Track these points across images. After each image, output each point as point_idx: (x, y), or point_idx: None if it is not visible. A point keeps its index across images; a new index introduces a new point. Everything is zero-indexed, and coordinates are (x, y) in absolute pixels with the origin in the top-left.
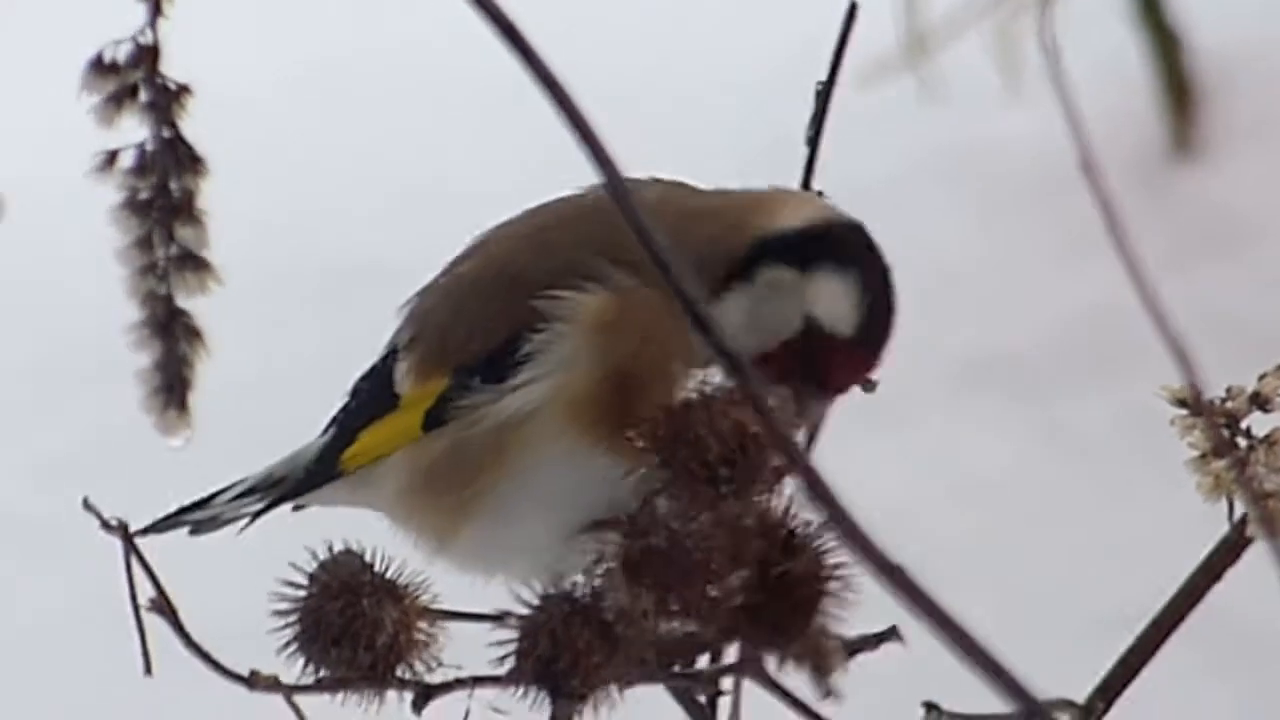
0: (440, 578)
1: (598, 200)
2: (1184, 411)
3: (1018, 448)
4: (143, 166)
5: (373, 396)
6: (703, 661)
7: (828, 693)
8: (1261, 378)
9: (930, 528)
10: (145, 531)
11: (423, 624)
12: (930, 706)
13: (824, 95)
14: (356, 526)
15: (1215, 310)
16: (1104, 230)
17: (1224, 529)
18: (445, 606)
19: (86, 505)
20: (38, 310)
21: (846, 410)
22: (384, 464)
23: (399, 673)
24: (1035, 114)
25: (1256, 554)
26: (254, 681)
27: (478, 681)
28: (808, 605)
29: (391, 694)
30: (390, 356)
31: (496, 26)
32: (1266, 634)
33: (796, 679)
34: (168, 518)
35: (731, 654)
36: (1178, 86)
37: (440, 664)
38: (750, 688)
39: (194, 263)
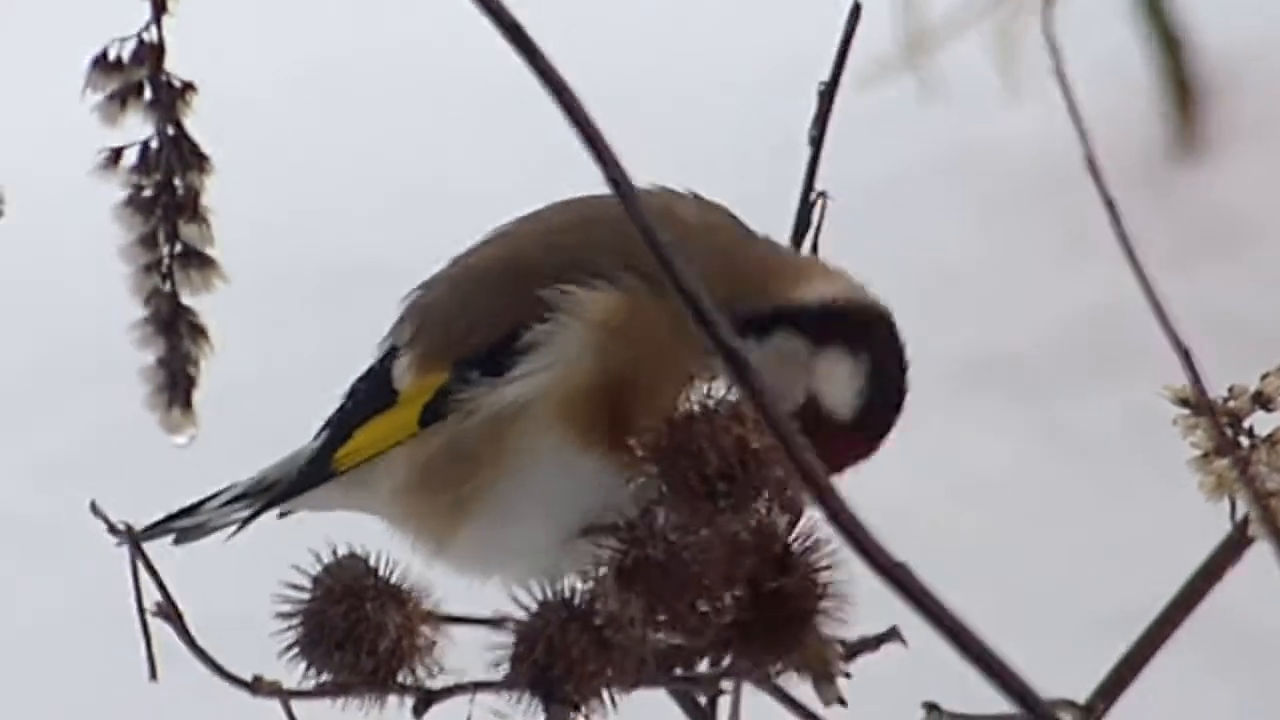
0: (442, 582)
1: (614, 205)
2: (1186, 411)
3: (1018, 448)
4: (147, 164)
5: (370, 395)
6: (703, 664)
7: (832, 699)
8: (1264, 377)
9: (931, 528)
10: (137, 538)
11: (425, 628)
12: (931, 707)
13: (827, 95)
14: (358, 530)
15: (1217, 309)
16: (1105, 230)
17: (1226, 529)
18: (447, 611)
19: (93, 508)
20: (38, 310)
21: None
22: (380, 463)
23: (401, 678)
24: (1036, 114)
25: (1258, 553)
26: (257, 687)
27: (478, 687)
28: (800, 621)
29: (392, 698)
30: (389, 355)
31: (501, 27)
32: (1268, 633)
33: (795, 682)
34: (156, 524)
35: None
36: (1180, 86)
37: (442, 669)
38: (750, 688)
39: (198, 260)
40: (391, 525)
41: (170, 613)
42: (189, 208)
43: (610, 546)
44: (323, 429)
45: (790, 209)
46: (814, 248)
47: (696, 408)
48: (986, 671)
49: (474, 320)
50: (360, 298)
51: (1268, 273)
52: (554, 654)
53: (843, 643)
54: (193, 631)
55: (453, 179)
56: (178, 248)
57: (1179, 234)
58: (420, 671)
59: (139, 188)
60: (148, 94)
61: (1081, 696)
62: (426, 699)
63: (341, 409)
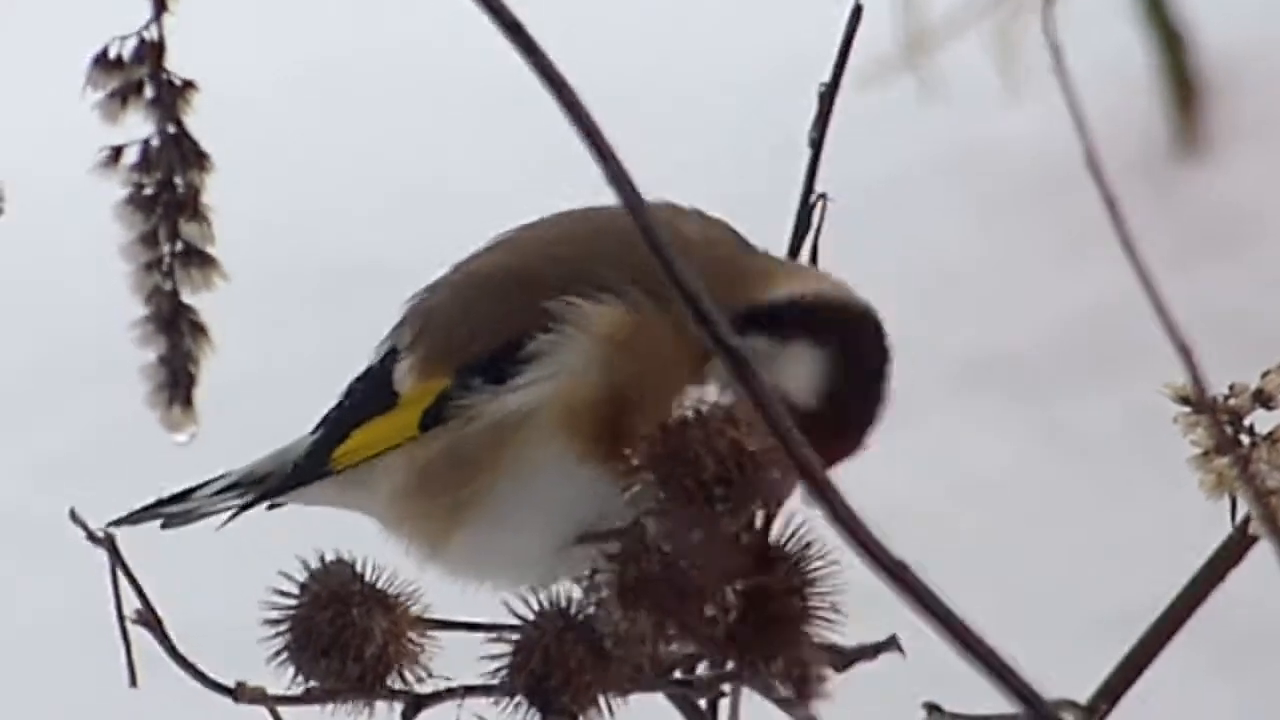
0: (430, 587)
1: (618, 215)
2: (1187, 409)
3: (1019, 447)
4: (147, 162)
5: (369, 395)
6: (701, 667)
7: (809, 715)
8: (1265, 375)
9: (932, 527)
10: (120, 523)
11: (413, 634)
12: (931, 708)
13: (827, 97)
14: (344, 532)
15: (1219, 308)
16: (1106, 229)
17: (1228, 528)
18: (436, 616)
19: (73, 516)
20: (38, 310)
21: None
22: (378, 464)
23: (389, 683)
24: (1036, 114)
25: (1261, 553)
26: (240, 694)
27: (468, 692)
28: (788, 621)
29: (380, 704)
30: (389, 356)
31: (501, 25)
32: (1272, 633)
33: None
34: (144, 509)
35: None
36: (1181, 85)
37: (431, 674)
38: (749, 691)
39: (199, 258)
40: (386, 527)
41: (150, 620)
42: (189, 206)
43: (606, 568)
44: (319, 426)
45: (790, 209)
46: (814, 249)
47: (690, 413)
48: (990, 671)
49: (476, 327)
50: (360, 298)
51: (1269, 271)
52: (551, 664)
53: (839, 650)
54: (175, 637)
55: (453, 179)
56: (178, 246)
57: (1180, 233)
58: (408, 677)
59: (139, 186)
60: (148, 92)
61: (1083, 697)
62: (415, 704)
63: (339, 408)
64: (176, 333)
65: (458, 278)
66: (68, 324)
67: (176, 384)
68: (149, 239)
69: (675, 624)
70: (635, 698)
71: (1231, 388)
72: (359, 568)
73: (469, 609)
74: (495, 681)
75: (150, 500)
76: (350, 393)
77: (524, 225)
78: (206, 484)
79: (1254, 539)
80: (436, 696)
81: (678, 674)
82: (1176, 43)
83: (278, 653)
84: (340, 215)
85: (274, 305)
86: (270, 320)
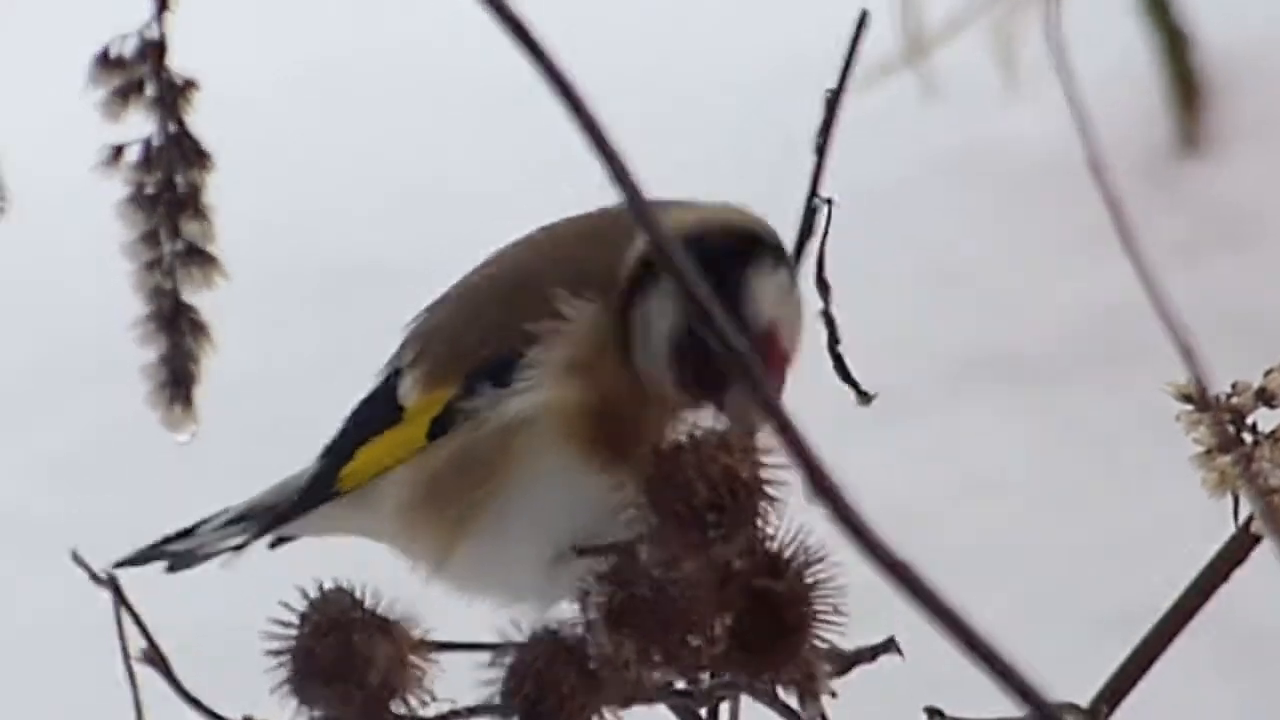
0: (430, 611)
1: (600, 216)
2: (1189, 407)
3: (1021, 447)
4: (148, 161)
5: (373, 414)
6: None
7: (814, 716)
8: (1268, 373)
9: (933, 526)
10: (125, 564)
11: (415, 658)
12: (933, 712)
13: (832, 103)
14: (343, 557)
15: (1222, 306)
16: (1109, 228)
17: (1231, 528)
18: (437, 638)
19: (76, 559)
20: (38, 310)
21: (854, 408)
22: (384, 480)
23: (393, 708)
24: (1039, 113)
25: (1264, 552)
26: None
27: (471, 713)
28: (796, 629)
29: None
30: (392, 376)
31: (504, 22)
32: (1275, 633)
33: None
34: (150, 548)
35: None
36: (1184, 84)
37: (434, 698)
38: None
39: (200, 257)
40: (392, 544)
41: (155, 658)
42: (190, 205)
43: (597, 589)
44: (323, 452)
45: (791, 209)
46: (820, 255)
47: (684, 438)
48: (992, 672)
49: (482, 334)
50: (360, 298)
51: (1272, 269)
52: (544, 688)
53: (839, 653)
54: (178, 656)
55: (453, 179)
56: (179, 245)
57: (1185, 230)
58: (412, 701)
59: (140, 185)
60: (150, 91)
61: (1086, 697)
62: None
63: (343, 431)
64: (177, 332)
65: (456, 293)
66: (68, 324)
67: (177, 383)
68: (150, 238)
69: (660, 651)
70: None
71: (1234, 386)
72: (358, 594)
73: (468, 630)
74: (493, 704)
75: (156, 540)
76: (354, 415)
77: (513, 241)
78: (209, 519)
79: (1257, 538)
80: None
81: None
82: (1179, 41)
83: (281, 684)
84: (340, 215)
85: (274, 305)
86: (270, 320)
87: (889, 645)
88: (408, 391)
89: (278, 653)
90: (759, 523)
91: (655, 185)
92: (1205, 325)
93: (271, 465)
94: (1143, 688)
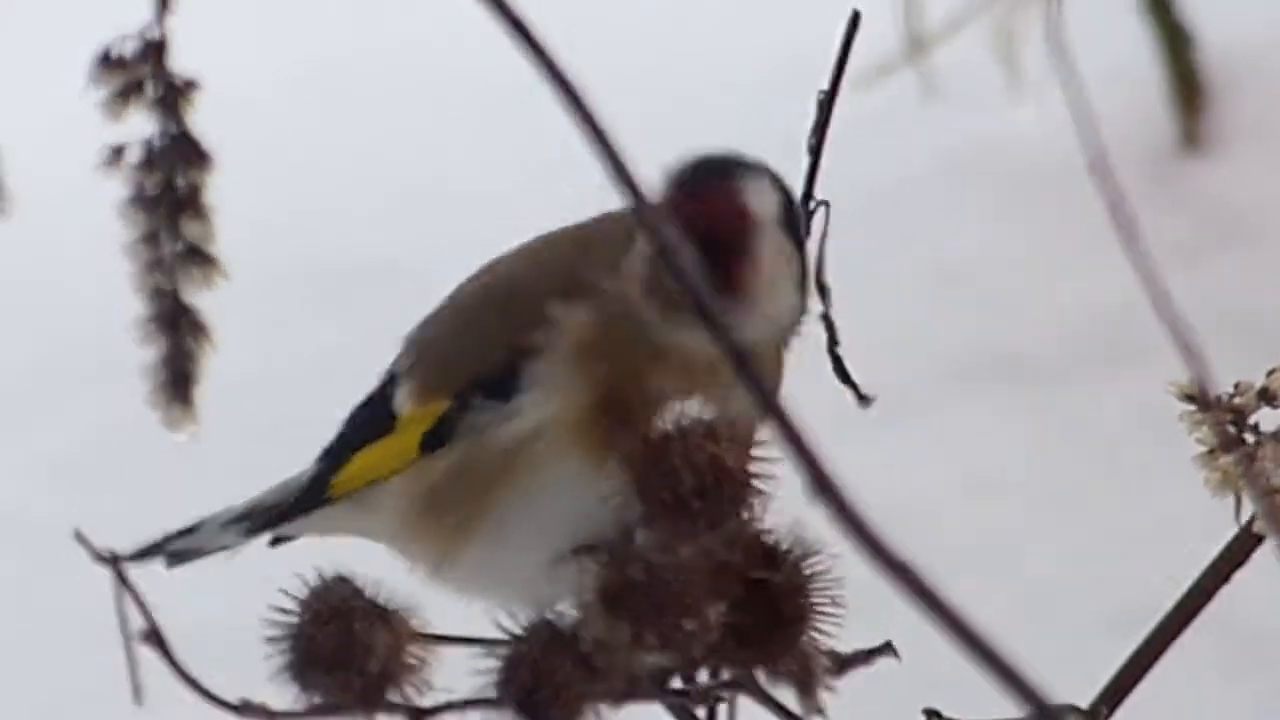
0: (430, 601)
1: (594, 222)
2: (1192, 407)
3: (1023, 446)
4: (150, 162)
5: (368, 421)
6: (700, 675)
7: (812, 711)
8: (1270, 373)
9: (937, 525)
10: (129, 559)
11: (414, 648)
12: (931, 714)
13: (826, 104)
14: (344, 546)
15: (1224, 306)
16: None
17: (1234, 527)
18: (435, 630)
19: (79, 538)
20: (38, 310)
21: (855, 407)
22: (381, 488)
23: (390, 697)
24: (1044, 111)
25: (1267, 551)
26: (244, 709)
27: (467, 705)
28: (794, 620)
29: (382, 718)
30: (390, 382)
31: (507, 25)
32: (1277, 634)
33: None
34: (151, 546)
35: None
36: (1186, 83)
37: (431, 688)
38: (745, 700)
39: (200, 258)
40: (393, 548)
41: (156, 639)
42: (191, 206)
43: (592, 571)
44: (321, 455)
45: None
46: (819, 256)
47: (671, 427)
48: (993, 672)
49: (474, 346)
50: (360, 297)
51: (1274, 269)
52: (540, 678)
53: (834, 655)
54: (179, 647)
55: (453, 179)
56: (180, 246)
57: (1187, 230)
58: (410, 691)
59: (141, 186)
60: (151, 92)
61: (1087, 697)
62: (417, 717)
63: (340, 435)
64: (177, 333)
65: (449, 305)
66: (68, 324)
67: (177, 384)
68: (151, 239)
69: (654, 634)
70: (633, 708)
71: (1236, 386)
72: (358, 584)
73: (468, 622)
74: (491, 695)
75: (158, 536)
76: (351, 419)
77: (508, 250)
78: (210, 519)
79: (1259, 538)
80: (438, 710)
81: (674, 684)
82: (1181, 41)
83: (281, 670)
84: (340, 215)
85: (274, 305)
86: (270, 320)
87: (885, 649)
88: (402, 401)
89: (278, 639)
90: (745, 512)
91: (656, 184)
92: (1206, 325)
93: (271, 465)
94: (1144, 688)
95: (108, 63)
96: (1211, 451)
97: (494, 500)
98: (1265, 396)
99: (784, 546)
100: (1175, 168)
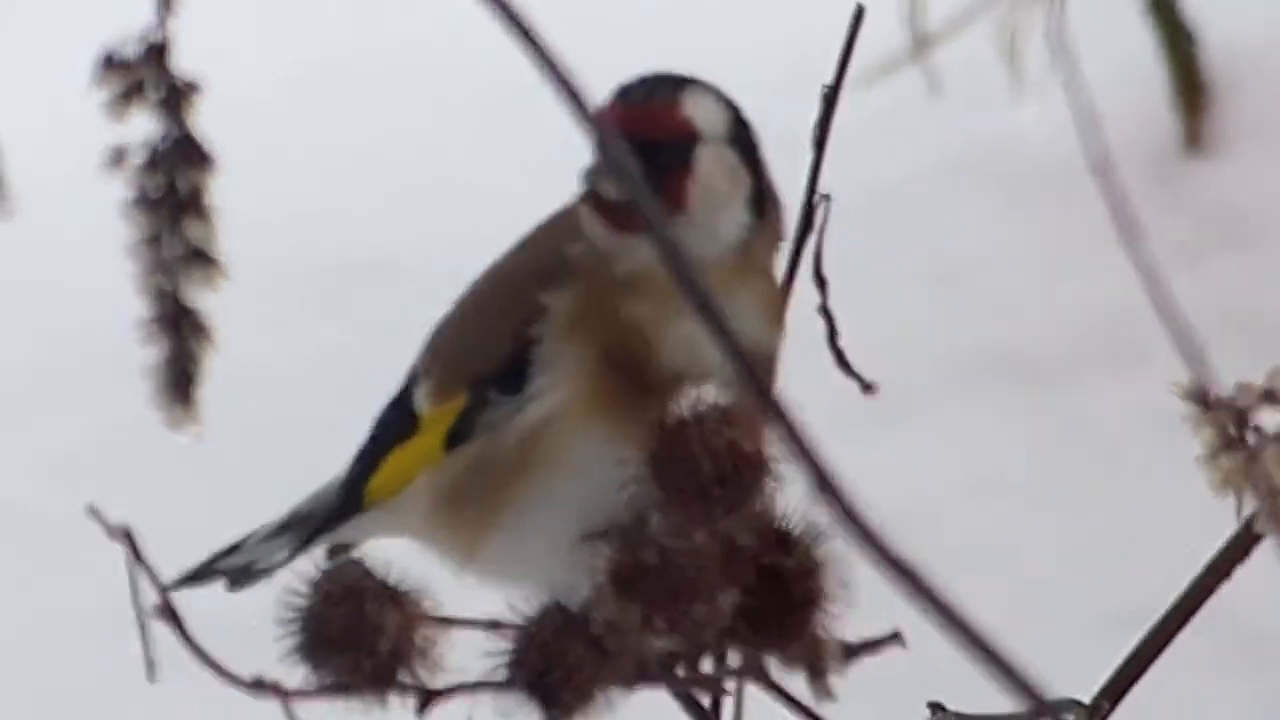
0: (441, 582)
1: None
2: (1194, 407)
3: (1026, 444)
4: (152, 163)
5: (394, 423)
6: (706, 664)
7: (825, 695)
8: (1273, 374)
9: (937, 525)
10: (181, 585)
11: (425, 629)
12: (936, 707)
13: (829, 99)
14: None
15: (1226, 306)
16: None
17: (1235, 526)
18: (446, 612)
19: (92, 511)
20: (38, 310)
21: (857, 406)
22: (409, 489)
23: (401, 678)
24: (1048, 110)
25: (1267, 552)
26: (258, 686)
27: (478, 687)
28: (806, 602)
29: (394, 698)
30: (410, 384)
31: (508, 23)
32: (1277, 634)
33: (797, 681)
34: (203, 567)
35: (734, 656)
36: (1189, 83)
37: (442, 669)
38: (753, 689)
39: (202, 259)
40: (422, 543)
41: (169, 613)
42: (193, 207)
43: (605, 554)
44: (353, 461)
45: (793, 208)
46: (818, 250)
47: (687, 413)
48: (994, 669)
49: (479, 342)
50: (361, 297)
51: (1276, 269)
52: (550, 660)
53: (843, 644)
54: (192, 632)
55: (453, 179)
56: (182, 247)
57: (1190, 230)
58: (421, 671)
59: (144, 187)
60: (153, 93)
61: (1089, 693)
62: (427, 699)
63: (370, 439)
64: (179, 334)
65: (458, 303)
66: (68, 324)
67: (179, 384)
68: (153, 240)
69: (664, 618)
70: (639, 696)
71: (1238, 386)
72: (370, 565)
73: (480, 604)
74: (500, 677)
75: (206, 558)
76: (378, 422)
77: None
78: (253, 534)
79: (1259, 536)
80: (449, 691)
81: (682, 670)
82: (1184, 41)
83: (292, 650)
84: (341, 215)
85: (274, 305)
86: (270, 320)
87: (893, 637)
88: (422, 401)
89: (289, 619)
90: (763, 497)
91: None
92: (1208, 325)
93: (271, 465)
94: (1145, 686)
95: (111, 64)
96: (1214, 452)
97: (513, 491)
98: (1267, 397)
99: (796, 530)
100: (1177, 168)
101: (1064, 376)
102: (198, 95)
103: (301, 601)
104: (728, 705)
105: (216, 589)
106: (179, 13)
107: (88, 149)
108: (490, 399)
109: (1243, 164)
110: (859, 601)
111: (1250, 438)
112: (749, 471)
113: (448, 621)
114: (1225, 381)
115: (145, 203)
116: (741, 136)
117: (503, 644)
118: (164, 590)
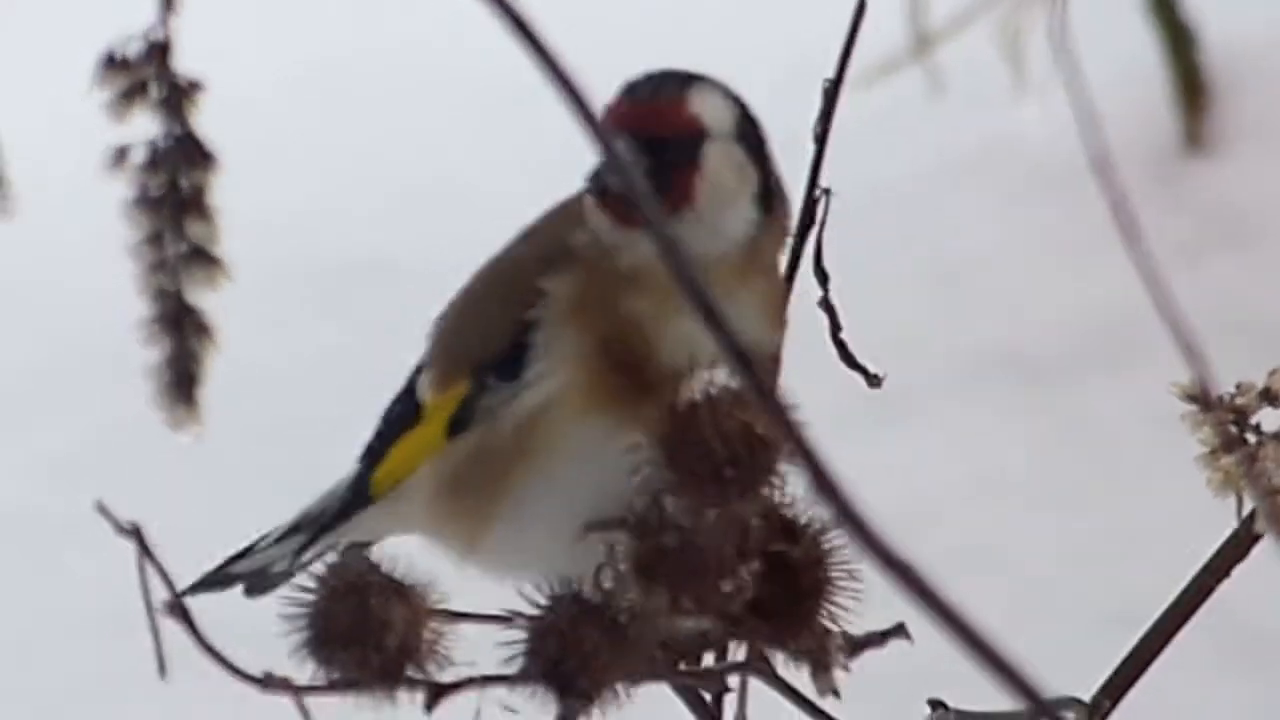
0: (448, 576)
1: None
2: (1194, 407)
3: (1027, 443)
4: (154, 162)
5: (399, 414)
6: (708, 659)
7: (827, 690)
8: (1272, 373)
9: (937, 525)
10: (194, 590)
11: (432, 623)
12: (936, 704)
13: (832, 92)
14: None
15: (1226, 306)
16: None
17: (1235, 525)
18: (453, 606)
19: (100, 508)
20: (38, 310)
21: (857, 405)
22: (413, 479)
23: (410, 672)
24: (1050, 109)
25: (1267, 552)
26: (267, 682)
27: (488, 681)
28: (813, 593)
29: (403, 693)
30: (416, 372)
31: (509, 23)
32: (1277, 633)
33: (801, 676)
34: (216, 572)
35: (738, 651)
36: (1190, 83)
37: (451, 663)
38: (756, 685)
39: (204, 259)
40: (426, 535)
41: (178, 609)
42: (195, 206)
43: (624, 540)
44: (361, 454)
45: (795, 205)
46: (818, 245)
47: (699, 395)
48: (992, 668)
49: (482, 329)
50: (361, 296)
51: (1276, 269)
52: (567, 648)
53: (848, 637)
54: (201, 630)
55: (453, 178)
56: (184, 247)
57: (1190, 229)
58: (429, 666)
59: (146, 187)
60: (155, 93)
61: (1089, 692)
62: (436, 693)
63: (377, 432)
64: (181, 334)
65: (461, 292)
66: (68, 324)
67: (181, 385)
68: (155, 240)
69: (691, 598)
70: (642, 693)
71: (1238, 386)
72: (376, 560)
73: (486, 597)
74: (514, 667)
75: (219, 563)
76: (386, 413)
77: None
78: (264, 536)
79: (1258, 536)
80: (457, 685)
81: (683, 665)
82: (1184, 41)
83: (299, 646)
84: (341, 214)
85: (274, 305)
86: (270, 320)
87: (899, 630)
88: (425, 389)
89: (296, 615)
90: (775, 480)
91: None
92: (1208, 325)
93: (271, 465)
94: (1150, 682)
95: (112, 64)
96: (1213, 452)
97: (514, 478)
98: (1267, 396)
99: (803, 520)
100: (1178, 168)
101: (1064, 376)
102: (200, 94)
103: (308, 597)
104: (730, 702)
105: (223, 595)
106: (180, 12)
107: (88, 148)
108: (490, 385)
109: (1243, 164)
110: (864, 589)
111: (1250, 438)
112: (762, 454)
113: (455, 616)
114: (1225, 381)
115: (147, 202)
116: (749, 132)
117: (515, 634)
118: (176, 596)
